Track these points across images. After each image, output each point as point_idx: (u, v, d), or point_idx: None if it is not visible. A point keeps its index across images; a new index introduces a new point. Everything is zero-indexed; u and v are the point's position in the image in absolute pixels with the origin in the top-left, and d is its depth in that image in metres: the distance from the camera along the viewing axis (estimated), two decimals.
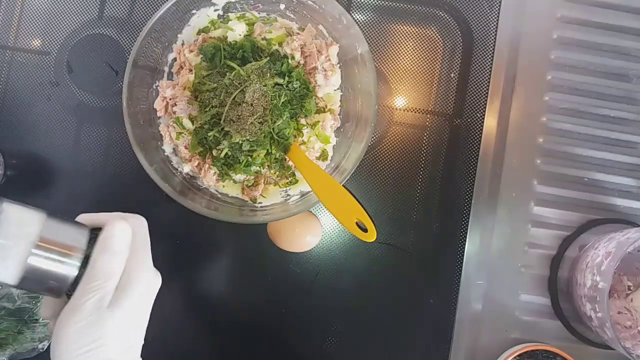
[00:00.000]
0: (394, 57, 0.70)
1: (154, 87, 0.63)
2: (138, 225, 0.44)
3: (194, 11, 0.62)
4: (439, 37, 0.70)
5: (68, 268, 0.40)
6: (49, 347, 0.66)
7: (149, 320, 0.69)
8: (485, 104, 0.69)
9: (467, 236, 0.68)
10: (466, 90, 0.70)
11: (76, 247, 0.41)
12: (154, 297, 0.43)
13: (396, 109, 0.70)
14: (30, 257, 0.39)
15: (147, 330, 0.70)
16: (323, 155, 0.64)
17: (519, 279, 0.68)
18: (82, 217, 0.44)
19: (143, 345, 0.44)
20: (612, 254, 0.57)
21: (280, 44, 0.62)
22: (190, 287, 0.69)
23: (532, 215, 0.69)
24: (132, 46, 0.58)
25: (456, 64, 0.70)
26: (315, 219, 0.67)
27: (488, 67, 0.70)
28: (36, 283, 0.40)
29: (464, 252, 0.68)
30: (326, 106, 0.63)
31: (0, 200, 0.38)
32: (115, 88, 0.69)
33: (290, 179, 0.64)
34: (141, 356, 0.45)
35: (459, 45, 0.70)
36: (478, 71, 0.70)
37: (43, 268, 0.39)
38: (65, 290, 0.41)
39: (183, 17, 0.62)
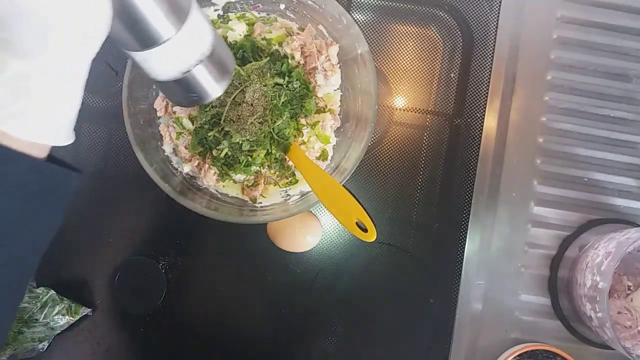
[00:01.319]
0: (394, 57, 0.70)
1: (154, 87, 0.63)
2: None
3: None
4: (439, 37, 0.70)
5: (216, 89, 0.42)
6: (48, 347, 0.66)
7: (148, 321, 0.69)
8: (485, 104, 0.69)
9: (467, 236, 0.68)
10: (466, 90, 0.70)
11: (230, 72, 0.43)
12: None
13: (396, 109, 0.70)
14: (196, 67, 0.40)
15: (144, 329, 0.70)
16: (323, 155, 0.64)
17: (519, 279, 0.68)
18: None
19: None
20: (612, 254, 0.57)
21: (280, 44, 0.62)
22: (190, 287, 0.69)
23: (532, 215, 0.69)
24: None
25: (456, 64, 0.70)
26: (315, 219, 0.67)
27: (488, 67, 0.70)
28: (184, 90, 0.41)
29: (464, 252, 0.68)
30: (326, 106, 0.63)
31: (189, 3, 0.38)
32: (115, 88, 0.69)
33: (290, 179, 0.64)
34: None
35: (459, 45, 0.70)
36: (478, 71, 0.70)
37: (198, 80, 0.41)
38: (198, 104, 0.43)
39: None
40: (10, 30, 0.32)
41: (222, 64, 0.43)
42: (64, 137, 0.38)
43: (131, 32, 0.37)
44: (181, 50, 0.39)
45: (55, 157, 0.38)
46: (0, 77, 0.33)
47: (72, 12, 0.32)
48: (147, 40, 0.37)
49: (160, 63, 0.39)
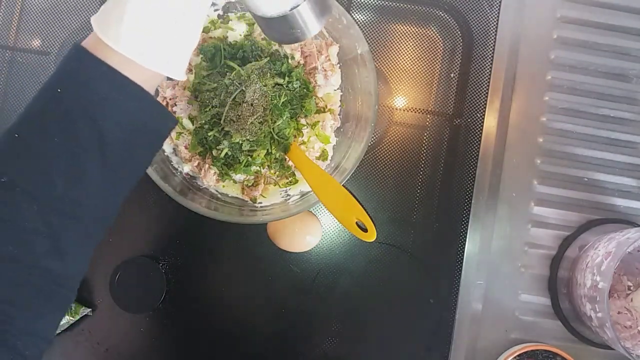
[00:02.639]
0: (394, 57, 0.70)
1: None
2: None
3: None
4: (439, 37, 0.70)
5: (316, 26, 0.43)
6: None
7: (148, 321, 0.69)
8: (485, 104, 0.69)
9: (467, 236, 0.68)
10: (466, 90, 0.70)
11: (330, 9, 0.44)
12: None
13: (396, 109, 0.70)
14: (303, 2, 0.40)
15: (144, 329, 0.70)
16: (323, 155, 0.64)
17: (519, 279, 0.68)
18: None
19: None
20: (612, 254, 0.57)
21: (280, 44, 0.63)
22: (190, 287, 0.69)
23: (532, 215, 0.69)
24: None
25: (456, 64, 0.70)
26: (315, 219, 0.67)
27: (488, 67, 0.70)
28: (287, 27, 0.42)
29: (464, 252, 0.68)
30: (326, 106, 0.63)
31: None
32: None
33: (290, 179, 0.64)
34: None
35: (459, 45, 0.70)
36: (478, 71, 0.70)
37: (302, 16, 0.42)
38: (298, 40, 0.44)
39: None
40: None
41: (324, 6, 0.43)
42: (181, 71, 0.40)
43: None
44: None
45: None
46: (133, 6, 0.35)
47: None
48: None
49: None
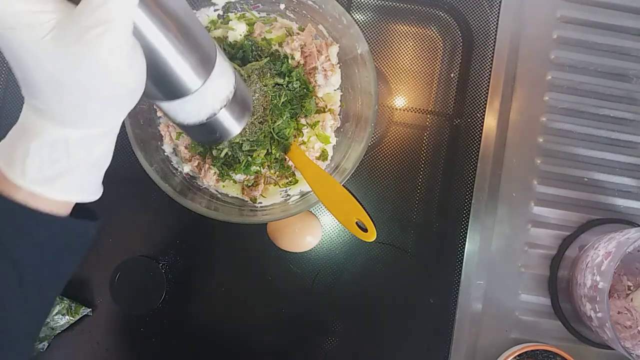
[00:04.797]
0: (394, 57, 0.70)
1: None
2: None
3: (194, 11, 0.62)
4: (439, 37, 0.70)
5: (236, 128, 0.44)
6: (48, 347, 0.66)
7: (148, 320, 0.70)
8: (485, 104, 0.69)
9: (467, 236, 0.68)
10: (466, 90, 0.70)
11: (250, 109, 0.46)
12: None
13: (396, 109, 0.70)
14: (220, 111, 0.41)
15: (144, 329, 0.70)
16: (323, 155, 0.64)
17: (519, 279, 0.68)
18: None
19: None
20: (612, 254, 0.57)
21: (280, 44, 0.63)
22: (190, 287, 0.69)
23: (532, 215, 0.69)
24: None
25: (456, 64, 0.70)
26: (315, 219, 0.67)
27: (488, 67, 0.70)
28: (206, 132, 0.43)
29: (464, 252, 0.68)
30: (326, 106, 0.63)
31: (216, 49, 0.39)
32: None
33: (290, 179, 0.64)
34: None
35: (459, 45, 0.70)
36: (478, 71, 0.70)
37: (221, 122, 0.43)
38: (219, 142, 0.47)
39: None
40: (48, 101, 0.33)
41: (244, 103, 0.44)
42: (95, 192, 0.39)
43: (160, 88, 0.37)
44: (207, 98, 0.40)
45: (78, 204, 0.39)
46: (38, 143, 0.34)
47: (112, 82, 0.32)
48: (176, 93, 0.38)
49: (186, 111, 0.40)
